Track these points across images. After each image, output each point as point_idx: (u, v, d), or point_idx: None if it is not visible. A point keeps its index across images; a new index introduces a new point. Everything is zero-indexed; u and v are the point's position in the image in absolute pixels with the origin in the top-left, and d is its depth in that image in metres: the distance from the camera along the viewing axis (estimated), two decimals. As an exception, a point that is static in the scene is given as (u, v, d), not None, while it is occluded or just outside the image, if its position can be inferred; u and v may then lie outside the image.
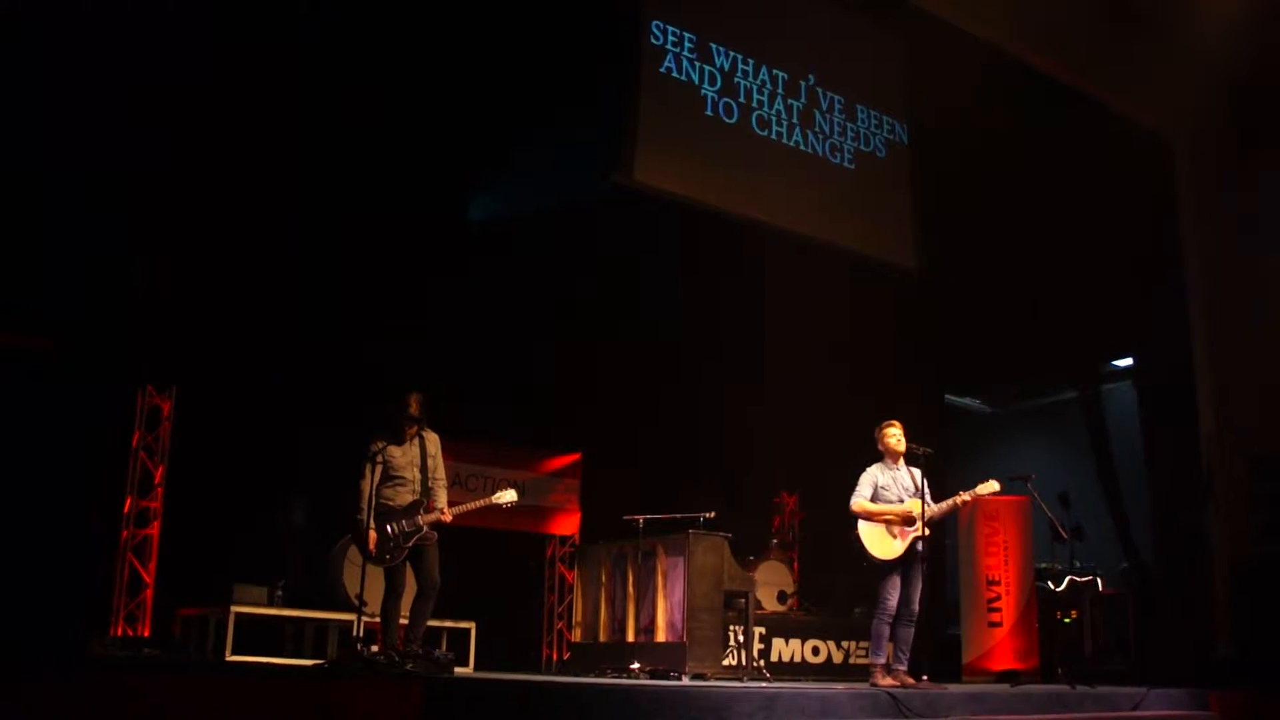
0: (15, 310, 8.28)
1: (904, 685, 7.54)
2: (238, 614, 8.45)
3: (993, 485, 8.10)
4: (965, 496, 8.07)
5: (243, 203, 9.10)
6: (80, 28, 8.05)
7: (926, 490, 7.98)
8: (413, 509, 7.29)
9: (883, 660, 7.85)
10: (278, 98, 8.98)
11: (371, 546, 7.17)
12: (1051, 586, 11.63)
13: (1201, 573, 11.96)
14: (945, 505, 8.03)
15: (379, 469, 7.30)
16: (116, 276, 8.73)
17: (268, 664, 8.15)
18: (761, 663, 9.60)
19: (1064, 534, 9.20)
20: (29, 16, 7.83)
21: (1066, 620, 11.43)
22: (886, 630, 7.87)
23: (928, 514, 7.86)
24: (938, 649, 11.07)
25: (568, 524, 11.16)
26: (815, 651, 10.42)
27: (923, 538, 7.84)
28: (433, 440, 7.54)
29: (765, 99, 10.88)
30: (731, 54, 10.72)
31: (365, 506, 7.19)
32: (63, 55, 8.05)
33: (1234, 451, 12.20)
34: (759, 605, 10.09)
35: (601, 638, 9.59)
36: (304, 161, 9.26)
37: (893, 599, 7.84)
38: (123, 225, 8.66)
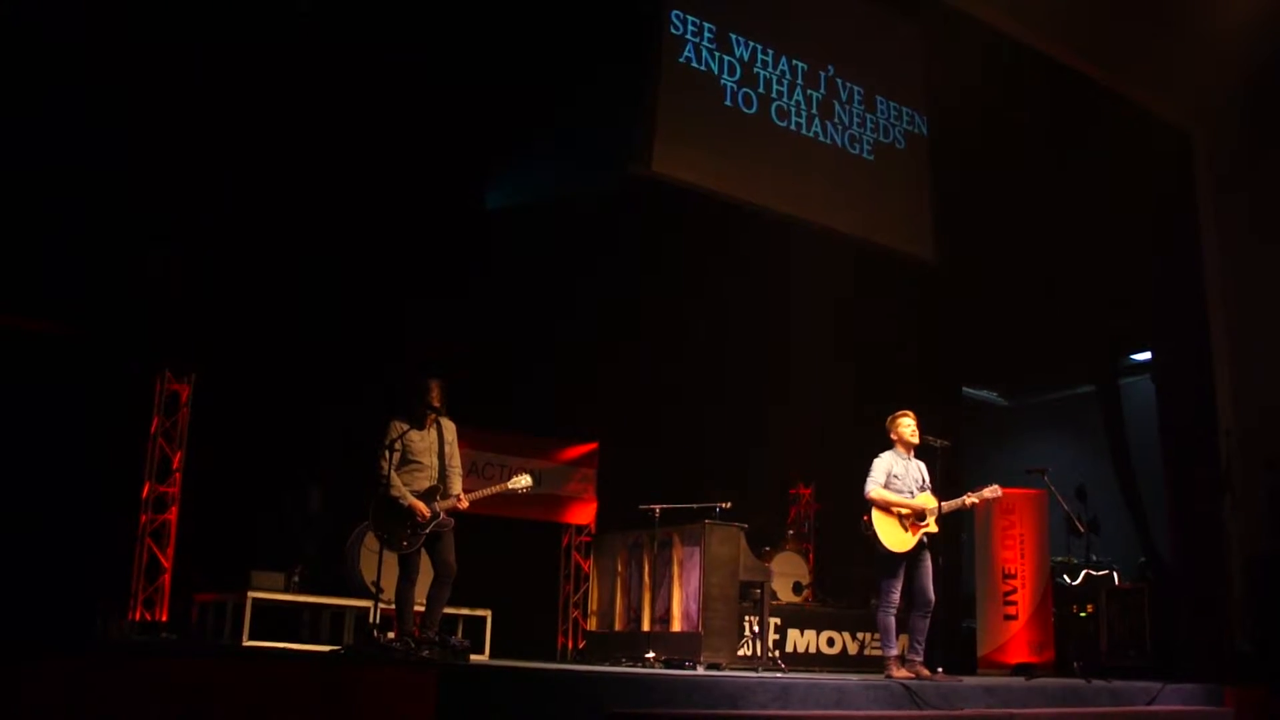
0: (35, 297, 8.33)
1: (919, 677, 7.53)
2: (255, 599, 8.49)
3: (995, 490, 8.19)
4: (971, 499, 8.12)
5: (260, 190, 9.12)
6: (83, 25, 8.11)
7: (928, 485, 8.01)
8: (430, 495, 7.30)
9: (895, 652, 7.82)
10: (292, 85, 9.00)
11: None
12: (1067, 580, 11.64)
13: (1218, 568, 11.93)
14: (955, 503, 8.05)
15: (396, 454, 7.33)
16: (134, 265, 8.76)
17: (284, 649, 8.19)
18: (776, 653, 9.60)
19: (1080, 527, 9.20)
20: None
21: (1082, 614, 11.44)
22: (893, 622, 7.83)
23: (940, 510, 7.89)
24: (953, 642, 11.07)
25: (584, 513, 11.16)
26: (830, 643, 10.42)
27: (932, 533, 7.87)
28: (449, 428, 7.55)
29: (785, 89, 10.84)
30: (751, 44, 10.68)
31: (398, 484, 7.21)
32: (70, 54, 8.10)
33: (1252, 447, 12.16)
34: (774, 596, 10.09)
35: (617, 627, 9.61)
36: (321, 149, 9.26)
37: (896, 592, 7.81)
38: (140, 215, 8.69)
